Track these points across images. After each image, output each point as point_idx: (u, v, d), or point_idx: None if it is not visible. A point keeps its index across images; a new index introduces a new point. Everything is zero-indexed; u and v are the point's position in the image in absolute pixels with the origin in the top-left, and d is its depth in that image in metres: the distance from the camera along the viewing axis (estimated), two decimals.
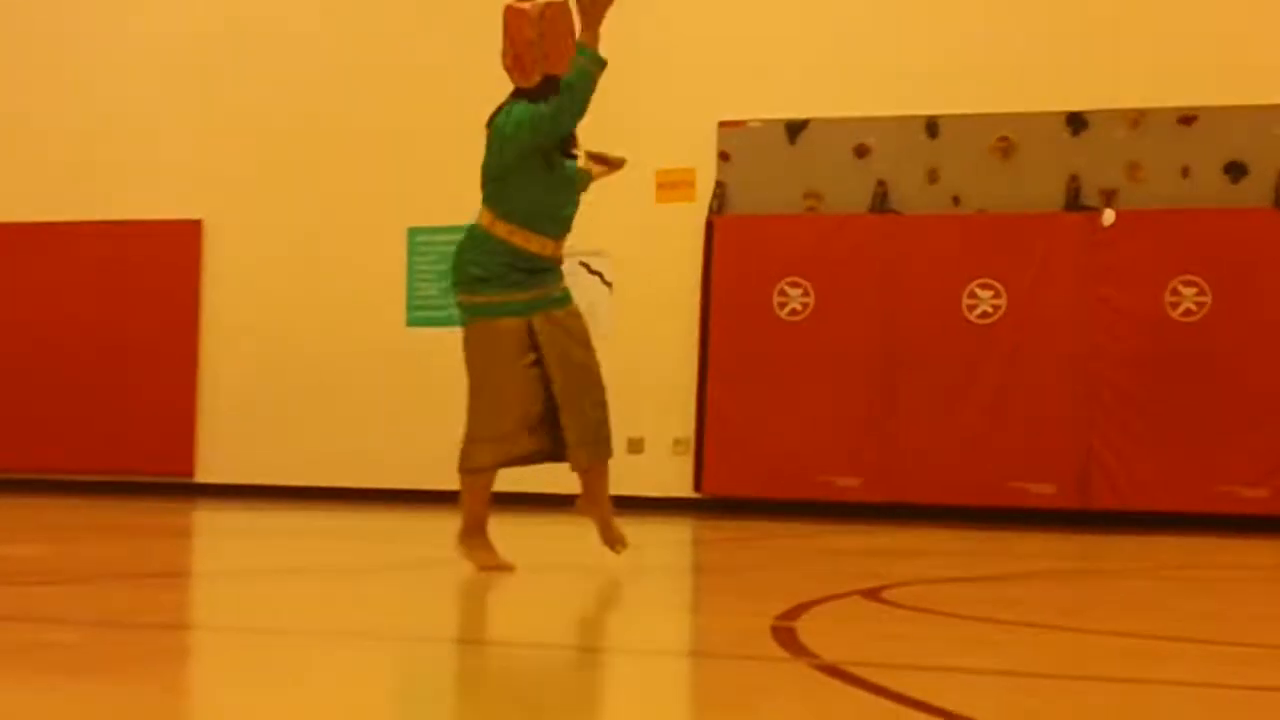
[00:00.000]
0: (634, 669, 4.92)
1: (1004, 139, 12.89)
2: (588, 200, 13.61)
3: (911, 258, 12.84)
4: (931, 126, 12.96)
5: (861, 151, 13.13)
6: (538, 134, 7.18)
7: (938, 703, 4.19)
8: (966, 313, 12.65)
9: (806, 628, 5.61)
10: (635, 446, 13.43)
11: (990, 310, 12.66)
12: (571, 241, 14.32)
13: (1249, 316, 12.23)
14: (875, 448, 12.81)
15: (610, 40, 13.64)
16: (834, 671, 4.67)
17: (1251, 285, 12.25)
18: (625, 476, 13.46)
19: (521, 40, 7.25)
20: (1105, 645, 5.66)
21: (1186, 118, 12.55)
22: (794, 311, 13.04)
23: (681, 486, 13.35)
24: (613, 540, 7.62)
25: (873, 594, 6.73)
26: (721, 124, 13.44)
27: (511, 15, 7.30)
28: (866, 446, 12.82)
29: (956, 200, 12.92)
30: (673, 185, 13.55)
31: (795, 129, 13.30)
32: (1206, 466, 12.19)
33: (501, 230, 7.24)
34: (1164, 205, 12.52)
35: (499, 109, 7.34)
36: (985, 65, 12.98)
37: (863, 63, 13.24)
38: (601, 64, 7.14)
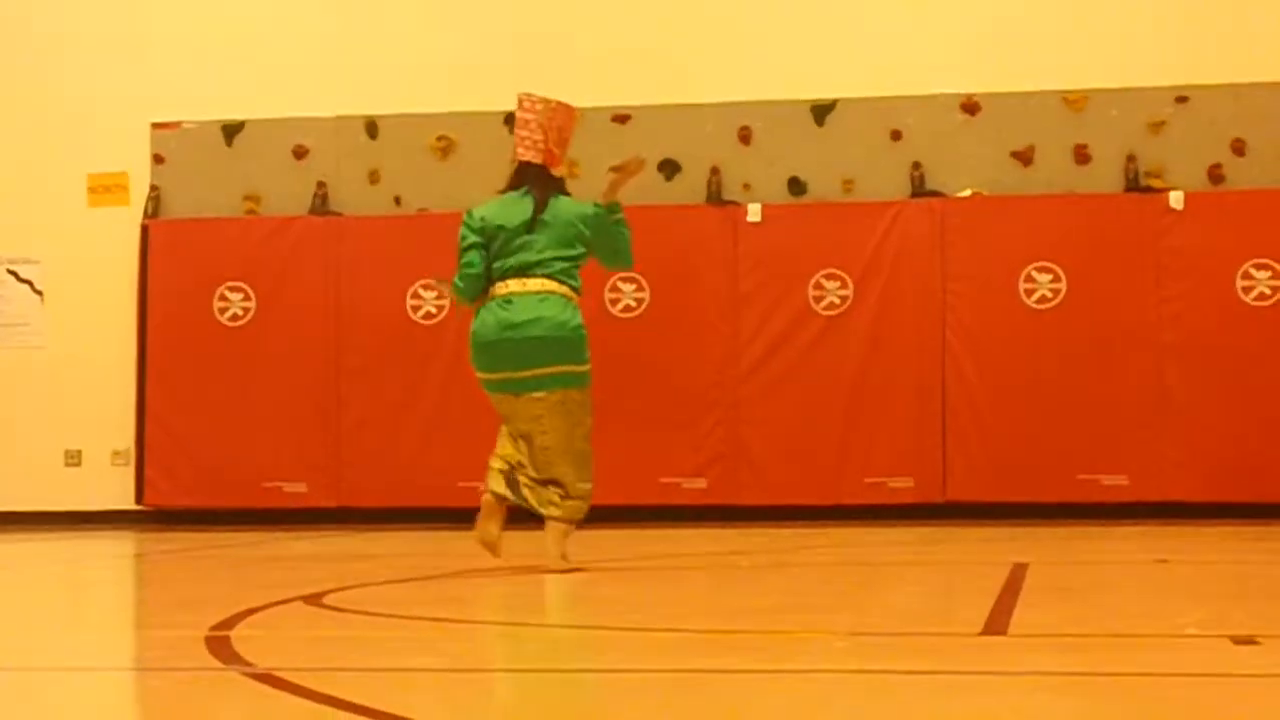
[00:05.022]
0: (57, 687, 4.71)
1: (443, 138, 12.92)
2: (15, 204, 13.17)
3: (355, 260, 12.72)
4: (371, 127, 12.89)
5: (300, 153, 12.96)
6: (610, 250, 8.15)
7: (373, 704, 4.16)
8: (411, 314, 12.62)
9: (242, 636, 5.49)
10: (73, 459, 12.97)
11: (435, 310, 12.67)
12: None
13: (684, 313, 12.51)
14: (323, 453, 12.65)
15: (34, 37, 13.18)
16: (267, 678, 4.57)
17: (686, 281, 12.53)
18: (63, 491, 13.11)
19: (565, 136, 8.11)
20: (539, 636, 5.72)
21: (621, 116, 12.80)
22: (235, 316, 12.77)
23: (123, 499, 12.92)
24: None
25: (314, 599, 6.65)
26: (154, 125, 13.06)
27: (564, 111, 8.15)
28: (315, 452, 12.64)
29: (398, 200, 12.88)
30: (105, 189, 13.11)
31: (231, 131, 13.02)
32: (651, 460, 12.44)
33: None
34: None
35: (549, 195, 8.03)
36: (423, 65, 12.97)
37: (298, 63, 13.05)
38: None
